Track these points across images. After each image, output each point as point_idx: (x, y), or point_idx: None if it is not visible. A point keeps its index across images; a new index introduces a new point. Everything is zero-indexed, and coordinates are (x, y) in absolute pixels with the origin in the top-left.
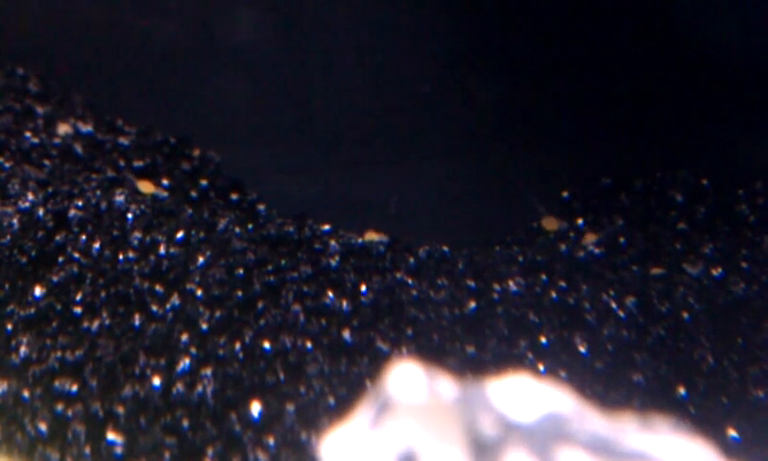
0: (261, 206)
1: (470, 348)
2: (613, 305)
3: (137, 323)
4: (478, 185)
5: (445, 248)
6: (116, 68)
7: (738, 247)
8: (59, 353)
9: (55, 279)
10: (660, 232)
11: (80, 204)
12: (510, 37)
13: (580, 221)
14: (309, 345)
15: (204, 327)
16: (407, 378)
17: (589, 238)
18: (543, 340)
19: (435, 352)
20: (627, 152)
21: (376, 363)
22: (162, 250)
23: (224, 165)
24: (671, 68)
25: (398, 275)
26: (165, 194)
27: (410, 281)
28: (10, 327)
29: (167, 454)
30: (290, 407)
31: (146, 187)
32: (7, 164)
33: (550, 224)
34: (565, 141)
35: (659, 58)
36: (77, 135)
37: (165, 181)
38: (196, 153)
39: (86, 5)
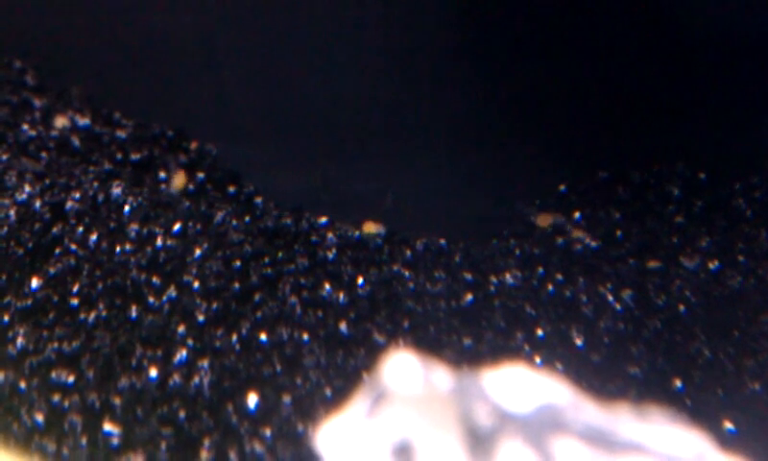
0: (258, 199)
1: (467, 340)
2: (610, 298)
3: (134, 314)
4: (475, 178)
5: (442, 241)
6: (114, 61)
7: (735, 241)
8: (55, 345)
9: (51, 270)
10: (656, 226)
11: (77, 196)
12: (508, 31)
13: (577, 214)
14: (306, 337)
15: (201, 318)
16: (403, 369)
17: (578, 233)
18: (540, 332)
19: (431, 344)
20: (624, 145)
21: (373, 355)
22: (159, 242)
23: (221, 158)
24: (668, 62)
25: (395, 267)
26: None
27: (407, 274)
28: (6, 318)
29: (163, 445)
30: (286, 399)
31: (179, 179)
32: (4, 156)
33: (544, 220)
34: (562, 134)
35: (656, 51)
36: (74, 128)
37: (162, 174)
38: (193, 146)
39: None
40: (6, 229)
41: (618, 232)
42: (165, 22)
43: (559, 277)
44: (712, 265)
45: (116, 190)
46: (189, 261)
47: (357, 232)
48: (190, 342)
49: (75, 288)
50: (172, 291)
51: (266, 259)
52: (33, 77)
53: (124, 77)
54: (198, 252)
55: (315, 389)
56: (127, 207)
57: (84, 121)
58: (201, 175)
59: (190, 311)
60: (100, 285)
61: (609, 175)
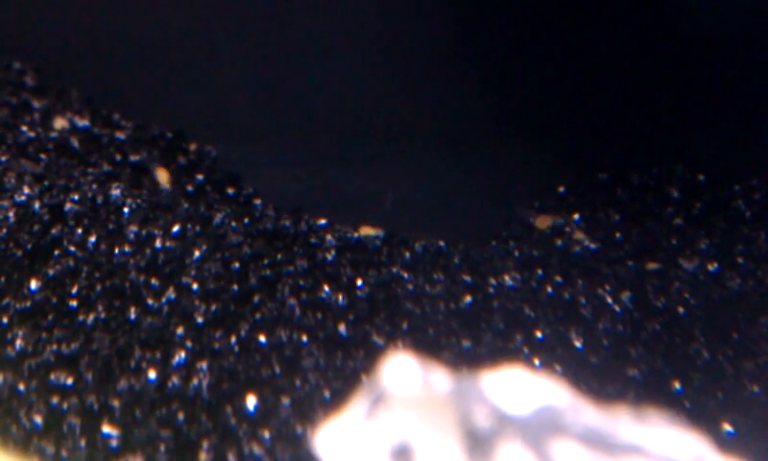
0: (257, 201)
1: (466, 342)
2: (609, 300)
3: (133, 316)
4: (474, 180)
5: (441, 242)
6: (113, 62)
7: (734, 242)
8: (54, 346)
9: (50, 272)
10: (655, 228)
11: (76, 197)
12: (507, 32)
13: (576, 216)
14: (305, 339)
15: (200, 320)
16: (402, 371)
17: (577, 235)
18: (539, 334)
19: (430, 346)
20: (623, 147)
21: (372, 357)
22: (158, 243)
23: (220, 160)
24: (668, 63)
25: (394, 269)
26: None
27: (406, 276)
28: (5, 320)
29: (162, 447)
30: (285, 401)
31: (162, 176)
32: (3, 158)
33: (543, 222)
34: (562, 136)
35: (655, 53)
36: (73, 130)
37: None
38: (192, 147)
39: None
40: (5, 230)
41: (617, 234)
42: (165, 23)
43: (558, 278)
44: (712, 267)
45: (115, 192)
46: (188, 263)
47: (356, 234)
48: (189, 344)
49: (74, 290)
50: (171, 293)
51: (265, 261)
52: (32, 78)
53: (123, 78)
54: (197, 253)
55: (314, 391)
56: (126, 209)
57: (83, 122)
58: (200, 176)
59: (189, 313)
60: (99, 287)
61: (608, 177)
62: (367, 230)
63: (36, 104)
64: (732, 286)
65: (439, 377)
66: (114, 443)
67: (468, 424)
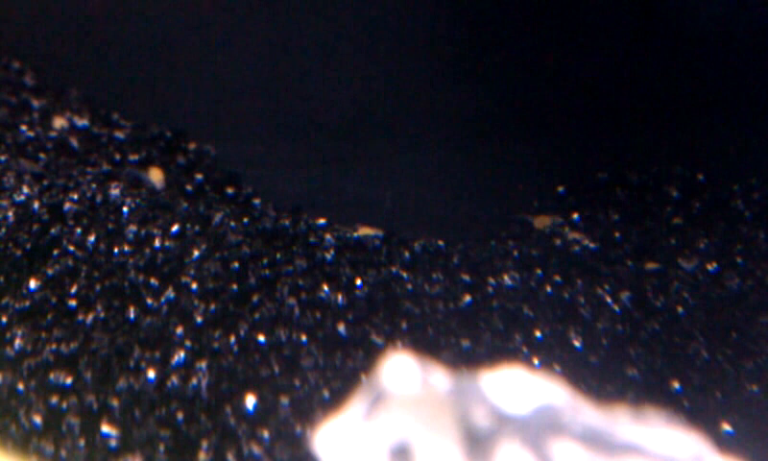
0: (257, 200)
1: (465, 342)
2: (608, 300)
3: (132, 316)
4: (474, 180)
5: (441, 242)
6: (112, 62)
7: (733, 242)
8: (53, 346)
9: (50, 271)
10: (655, 227)
11: (75, 197)
12: (506, 32)
13: (575, 216)
14: (304, 338)
15: (199, 320)
16: (401, 370)
17: (576, 235)
18: (538, 334)
19: (430, 346)
20: (622, 146)
21: (371, 357)
22: (157, 243)
23: (220, 159)
24: (667, 63)
25: (393, 269)
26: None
27: (405, 275)
28: (4, 319)
29: (161, 447)
30: (284, 400)
31: (156, 175)
32: (2, 157)
33: (542, 222)
34: (561, 136)
35: (654, 53)
36: (72, 129)
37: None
38: (192, 146)
39: None
40: (4, 230)
41: (617, 234)
42: (164, 22)
43: (557, 278)
44: (711, 267)
45: (114, 191)
46: (187, 262)
47: (356, 234)
48: (188, 343)
49: (73, 289)
50: (170, 292)
51: (264, 261)
52: (31, 78)
53: (123, 78)
54: (196, 253)
55: (313, 391)
56: (125, 209)
57: (82, 122)
58: (199, 176)
59: (188, 313)
60: (98, 287)
61: (607, 176)
62: (366, 230)
63: (36, 103)
64: (731, 286)
65: (438, 377)
66: (113, 442)
67: (467, 424)
